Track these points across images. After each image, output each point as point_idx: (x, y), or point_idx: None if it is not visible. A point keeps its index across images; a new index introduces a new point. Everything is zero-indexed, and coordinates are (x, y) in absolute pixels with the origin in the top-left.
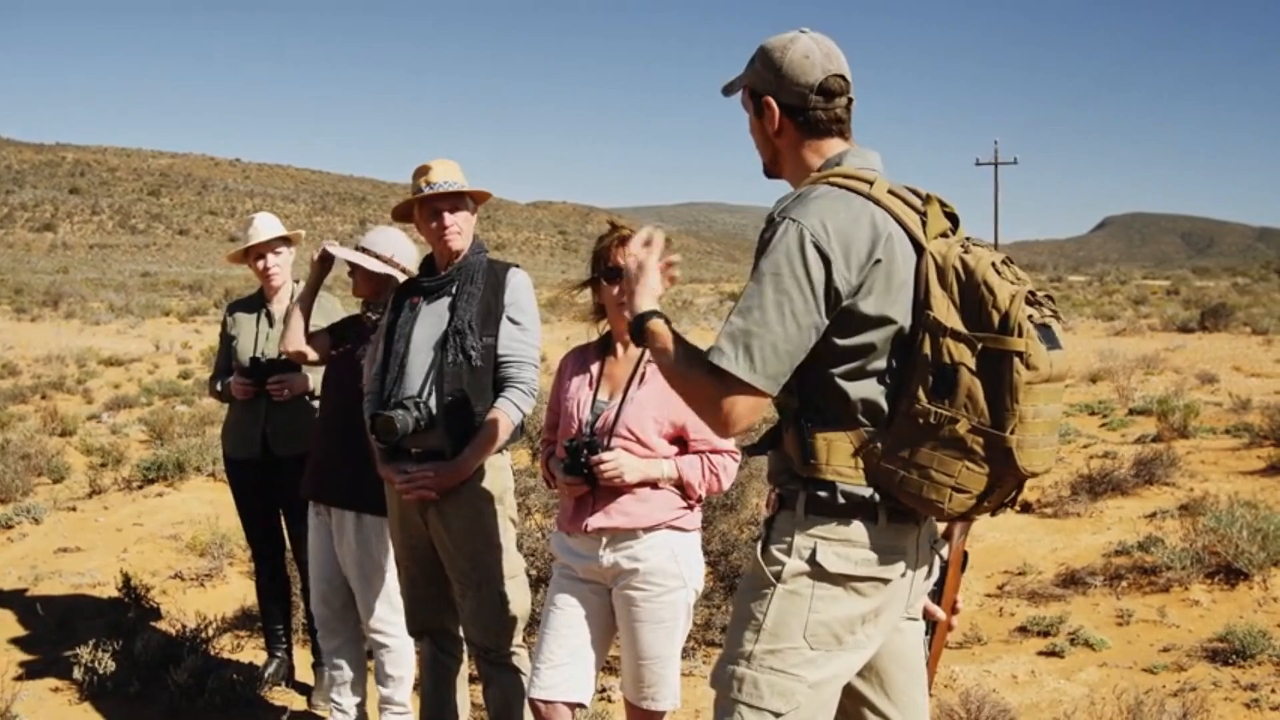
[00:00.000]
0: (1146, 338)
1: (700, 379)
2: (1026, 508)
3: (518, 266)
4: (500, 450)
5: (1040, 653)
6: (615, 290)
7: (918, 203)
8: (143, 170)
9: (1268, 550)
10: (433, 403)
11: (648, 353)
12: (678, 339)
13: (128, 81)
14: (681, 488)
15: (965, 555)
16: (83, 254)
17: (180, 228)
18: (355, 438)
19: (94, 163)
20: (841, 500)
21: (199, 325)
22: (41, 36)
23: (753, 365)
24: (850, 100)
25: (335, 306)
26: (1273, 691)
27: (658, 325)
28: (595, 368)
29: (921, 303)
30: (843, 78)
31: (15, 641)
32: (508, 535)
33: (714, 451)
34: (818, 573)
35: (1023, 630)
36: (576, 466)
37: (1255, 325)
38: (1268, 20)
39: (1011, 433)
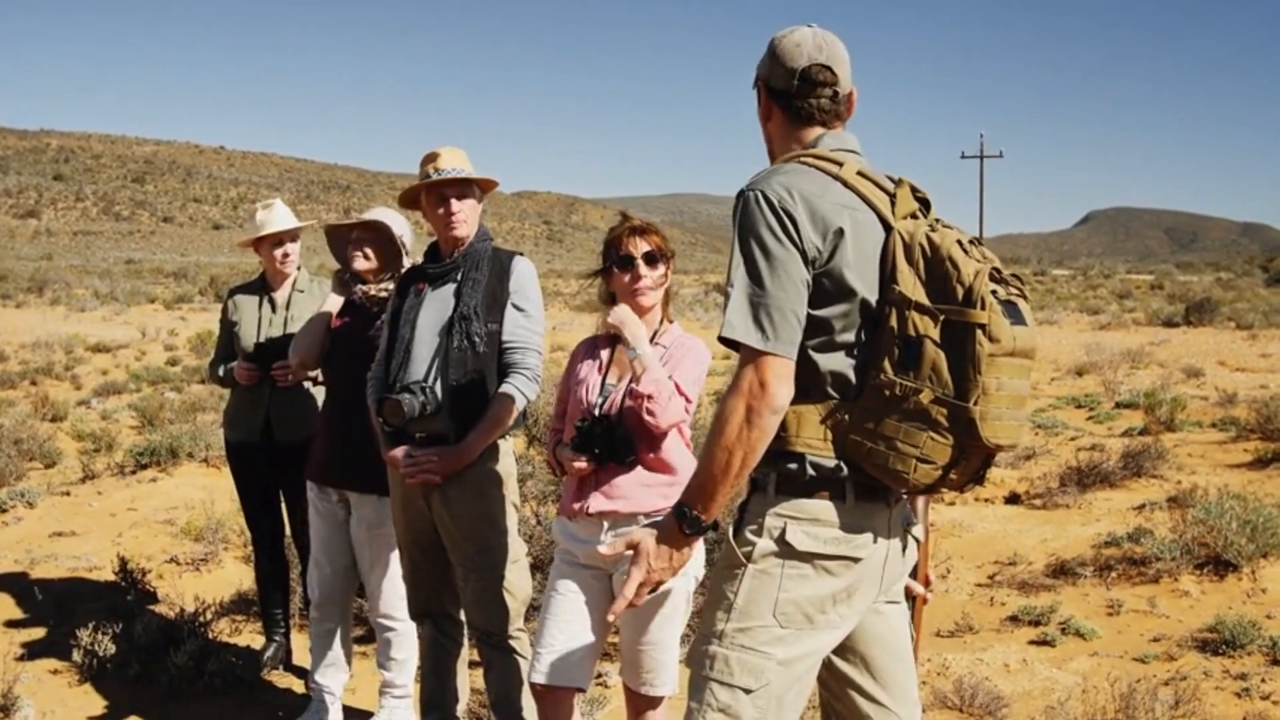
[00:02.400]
0: (1131, 332)
1: (725, 405)
2: (1015, 499)
3: (522, 255)
4: (504, 436)
5: (1031, 642)
6: (626, 278)
7: (888, 185)
8: (127, 157)
9: (1257, 542)
10: (438, 388)
11: (655, 338)
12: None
13: (113, 68)
14: (636, 383)
15: (925, 532)
16: (66, 240)
17: (164, 215)
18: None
19: (78, 149)
20: (811, 472)
21: (184, 312)
22: (27, 22)
23: (764, 334)
24: (836, 93)
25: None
26: (1263, 681)
27: (685, 505)
28: (605, 354)
29: (888, 278)
30: (829, 70)
31: (14, 624)
32: (510, 520)
33: (681, 392)
34: (787, 551)
35: (1014, 619)
36: (588, 444)
37: (1239, 320)
38: (1253, 15)
39: (975, 404)
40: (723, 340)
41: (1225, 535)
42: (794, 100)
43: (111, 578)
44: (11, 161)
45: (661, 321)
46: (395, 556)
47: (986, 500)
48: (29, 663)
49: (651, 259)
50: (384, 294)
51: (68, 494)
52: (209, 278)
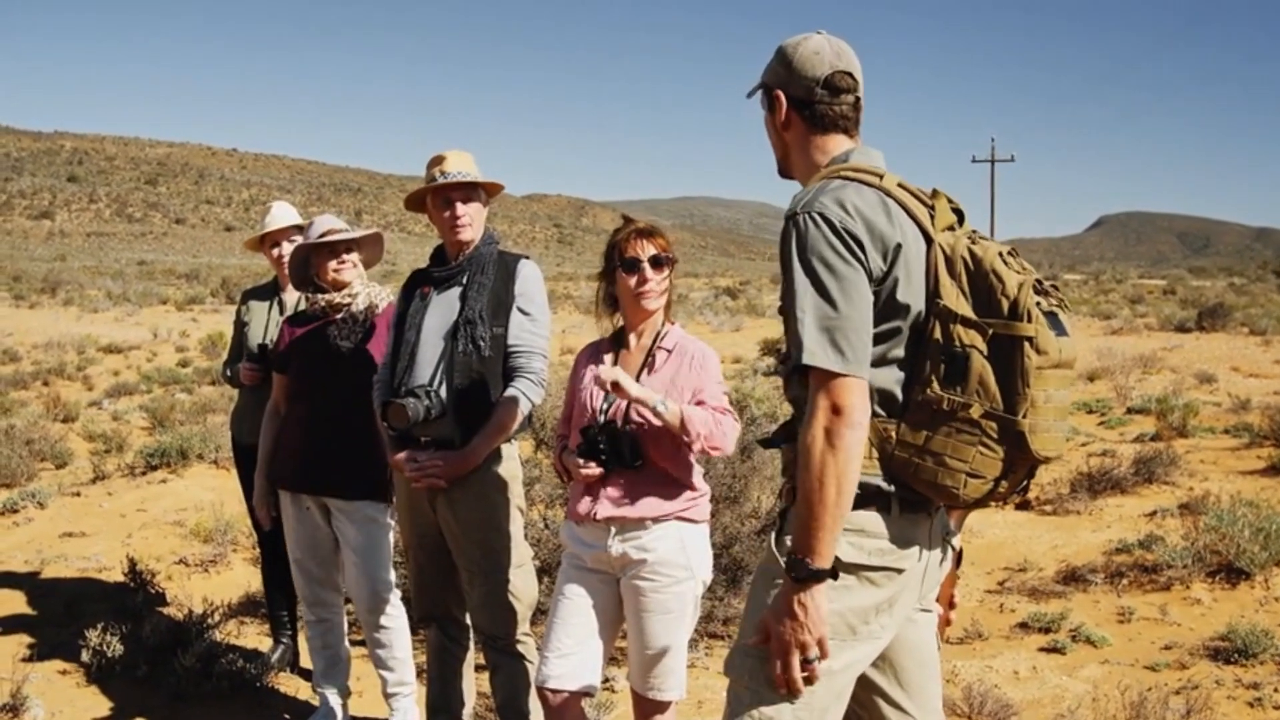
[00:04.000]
0: (1144, 337)
1: (810, 428)
2: (1026, 504)
3: (528, 258)
4: (509, 440)
5: (1042, 649)
6: (632, 281)
7: (926, 196)
8: (140, 159)
9: (1270, 550)
10: (443, 392)
11: (657, 340)
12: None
13: (126, 70)
14: (686, 434)
15: (959, 552)
16: (80, 242)
17: (177, 216)
18: (349, 425)
19: (92, 151)
20: (856, 490)
21: (196, 314)
22: (41, 24)
23: (844, 356)
24: (858, 99)
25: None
26: (1275, 690)
27: (804, 554)
28: (609, 359)
29: (932, 291)
30: (850, 76)
31: (24, 624)
32: (516, 524)
33: (722, 411)
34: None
35: (1024, 626)
36: (593, 450)
37: (1253, 325)
38: (1266, 19)
39: (1024, 416)
40: (799, 369)
41: (1238, 543)
42: (817, 107)
43: (121, 579)
44: (26, 163)
45: (663, 324)
46: (380, 559)
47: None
48: (38, 663)
49: (657, 262)
50: (345, 300)
51: (78, 494)
52: (221, 279)
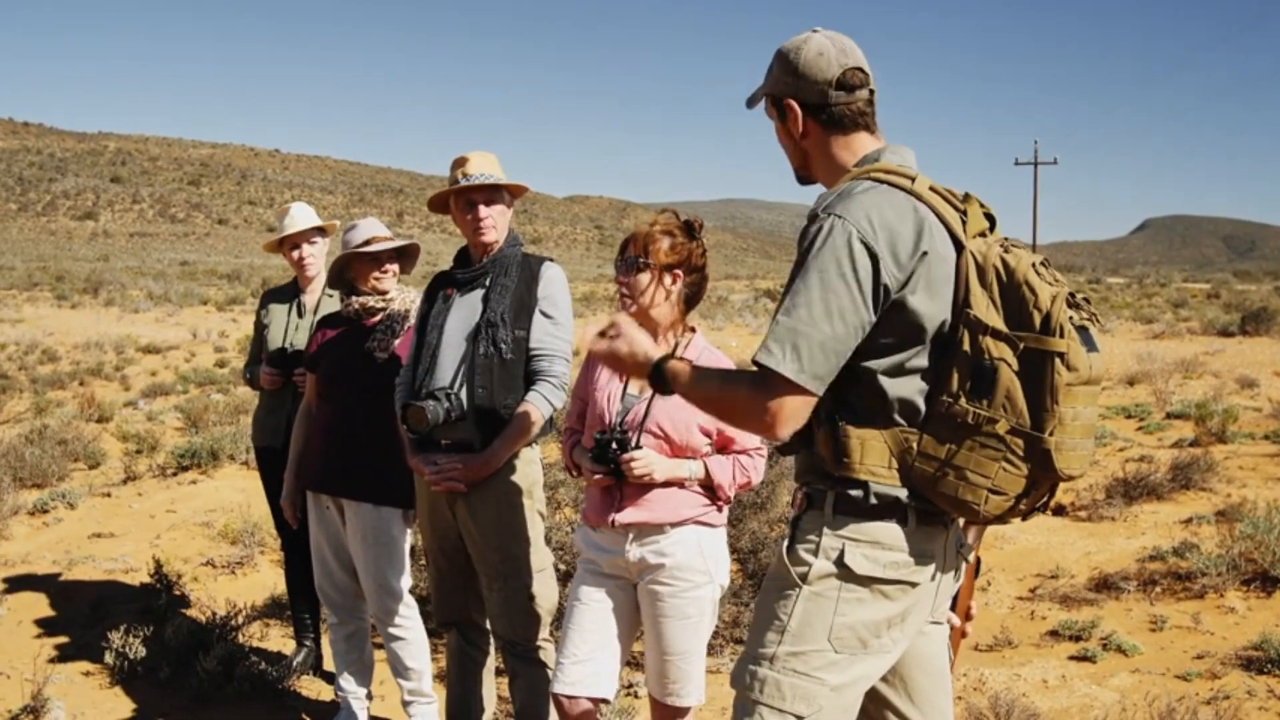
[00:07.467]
0: (1185, 341)
1: (740, 390)
2: (1060, 510)
3: (552, 260)
4: (530, 444)
5: (1071, 657)
6: (619, 285)
7: (958, 201)
8: (183, 160)
9: None
10: (463, 394)
11: (678, 349)
12: (701, 367)
13: (170, 71)
14: (711, 488)
15: (978, 560)
16: (123, 242)
17: (219, 217)
18: (370, 429)
19: (135, 152)
20: (874, 501)
21: (236, 314)
22: (85, 25)
23: (800, 364)
24: (872, 93)
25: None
26: None
27: (675, 365)
28: None
29: (961, 301)
30: (860, 70)
31: (48, 625)
32: (536, 529)
33: (742, 451)
34: (845, 574)
35: (1054, 634)
36: (604, 458)
37: None
38: None
39: (1051, 434)
40: (755, 363)
41: (1274, 551)
42: (834, 109)
43: (147, 580)
44: (70, 164)
45: (683, 332)
46: (391, 567)
47: None
48: (61, 665)
49: (627, 266)
50: (380, 304)
51: (109, 495)
52: (262, 280)
